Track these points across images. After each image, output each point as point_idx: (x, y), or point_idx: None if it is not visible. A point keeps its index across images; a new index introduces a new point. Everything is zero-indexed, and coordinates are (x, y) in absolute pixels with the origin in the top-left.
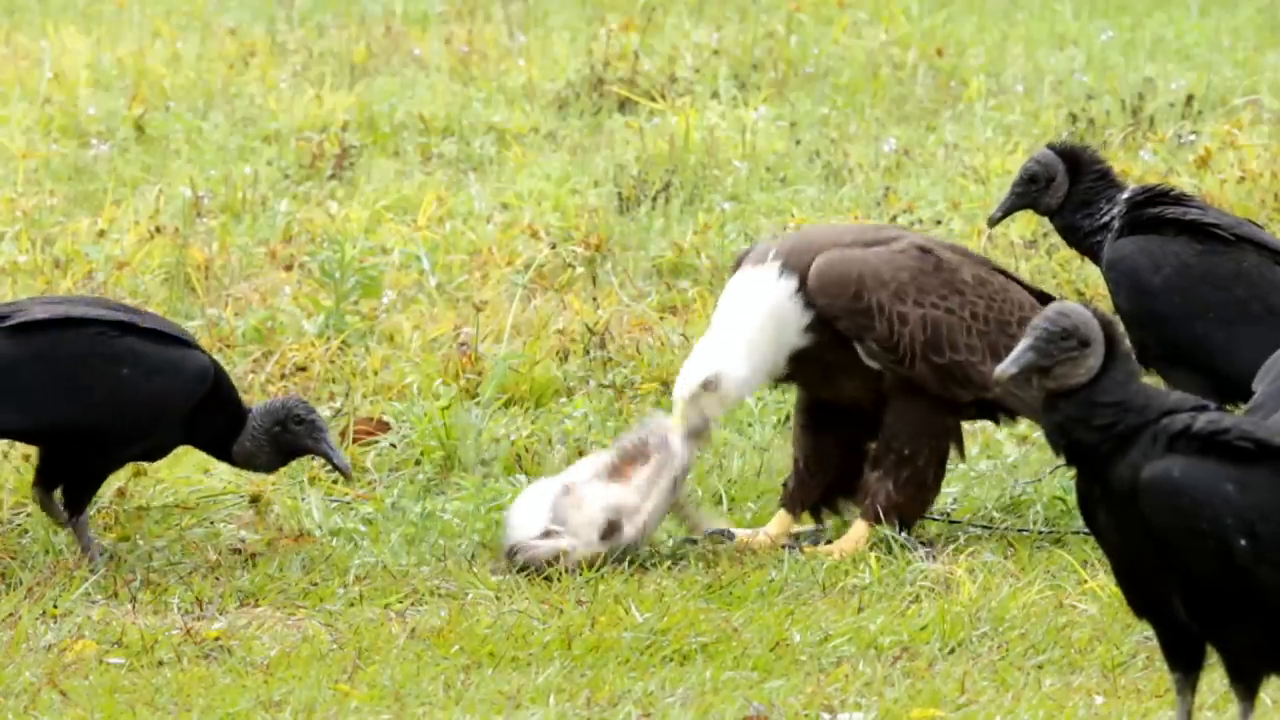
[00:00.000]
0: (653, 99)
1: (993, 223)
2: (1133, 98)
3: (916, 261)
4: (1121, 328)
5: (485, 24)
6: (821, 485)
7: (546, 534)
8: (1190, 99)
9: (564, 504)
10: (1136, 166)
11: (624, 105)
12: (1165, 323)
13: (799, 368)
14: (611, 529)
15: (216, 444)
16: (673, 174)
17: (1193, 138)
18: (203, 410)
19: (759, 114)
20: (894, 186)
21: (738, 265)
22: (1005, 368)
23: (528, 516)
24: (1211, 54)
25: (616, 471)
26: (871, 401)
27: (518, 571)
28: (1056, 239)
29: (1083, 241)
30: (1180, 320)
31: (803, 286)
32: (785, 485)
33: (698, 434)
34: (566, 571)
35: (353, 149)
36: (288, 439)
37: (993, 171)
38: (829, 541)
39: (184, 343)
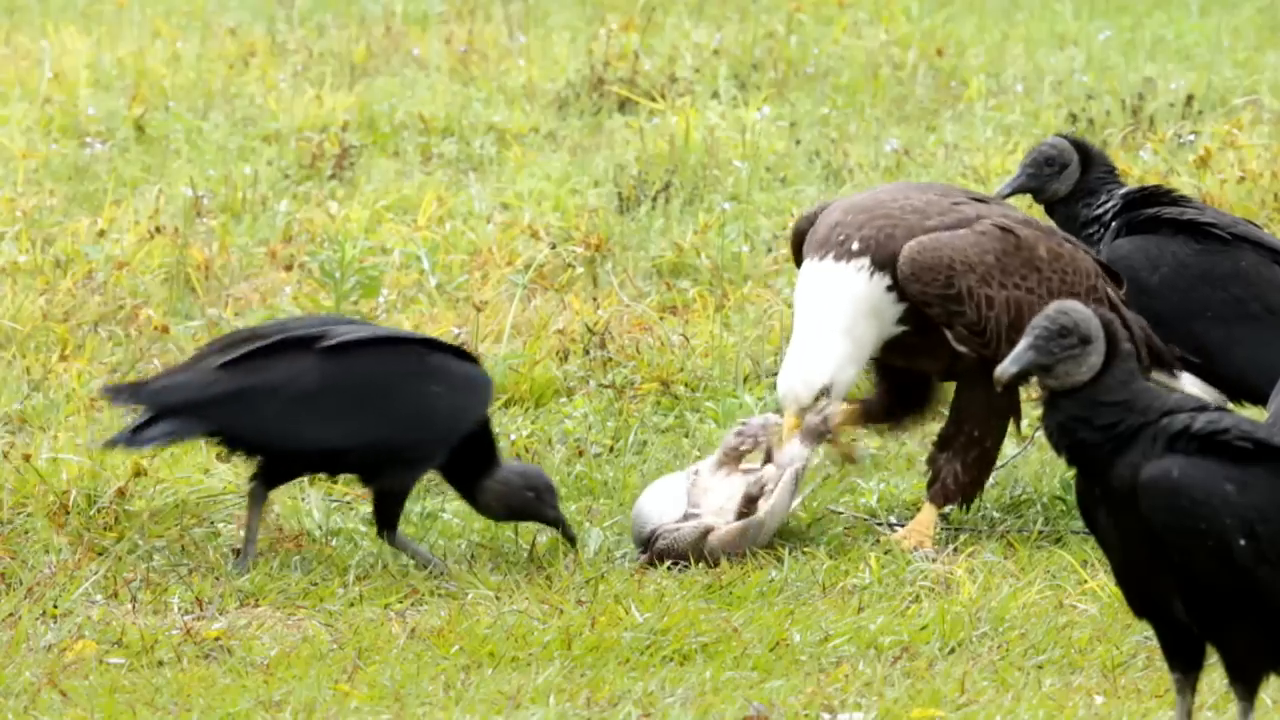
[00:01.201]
0: (653, 99)
1: (1003, 196)
2: (1133, 98)
3: (999, 242)
4: (1120, 327)
5: (485, 24)
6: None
7: (685, 519)
8: (1190, 99)
9: (695, 491)
10: (1136, 166)
11: (624, 105)
12: (1163, 322)
13: (883, 351)
14: (750, 502)
15: (467, 476)
16: (673, 174)
17: (1193, 138)
18: (473, 433)
19: (761, 115)
20: None
21: (800, 241)
22: (1005, 367)
23: (662, 505)
24: (1211, 54)
25: (732, 464)
26: (941, 373)
27: (653, 560)
28: None
29: (1080, 231)
30: (1178, 319)
31: (894, 279)
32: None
33: (817, 435)
34: (707, 559)
35: (353, 149)
36: (535, 506)
37: (993, 171)
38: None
39: (471, 358)
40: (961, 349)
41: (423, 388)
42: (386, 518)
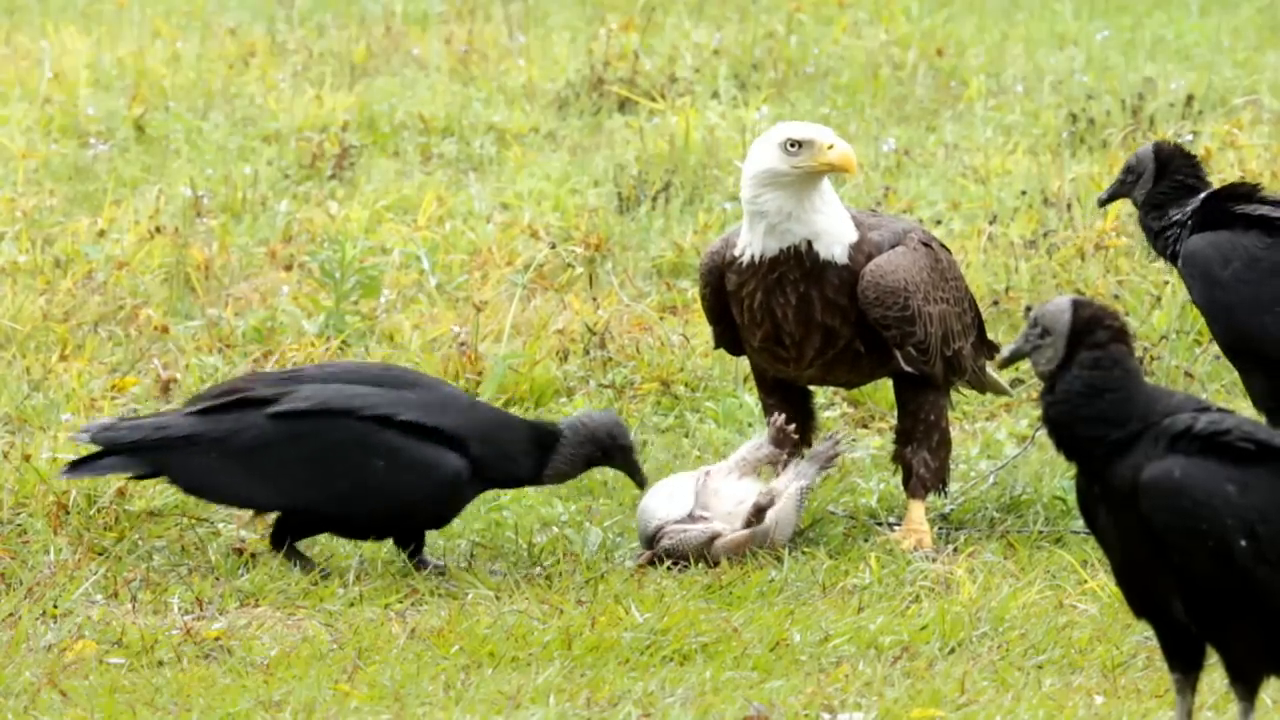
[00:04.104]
0: (653, 99)
1: (1101, 203)
2: (1133, 98)
3: (926, 258)
4: (1107, 334)
5: (485, 24)
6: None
7: (692, 519)
8: (1190, 99)
9: (705, 492)
10: None
11: (624, 105)
12: (1233, 314)
13: (810, 365)
14: (759, 512)
15: (522, 483)
16: (673, 174)
17: (1192, 138)
18: (471, 484)
19: (761, 114)
20: (894, 186)
21: (719, 274)
22: (1002, 355)
23: (670, 502)
24: (1211, 54)
25: (750, 470)
26: (852, 384)
27: (656, 557)
28: (1057, 239)
29: (1154, 242)
30: (1250, 312)
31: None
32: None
33: (826, 459)
34: (710, 560)
35: (353, 149)
36: (604, 461)
37: (993, 171)
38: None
39: (442, 439)
40: (908, 369)
41: (364, 463)
42: (282, 536)
